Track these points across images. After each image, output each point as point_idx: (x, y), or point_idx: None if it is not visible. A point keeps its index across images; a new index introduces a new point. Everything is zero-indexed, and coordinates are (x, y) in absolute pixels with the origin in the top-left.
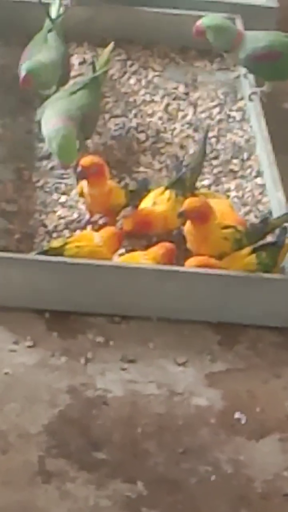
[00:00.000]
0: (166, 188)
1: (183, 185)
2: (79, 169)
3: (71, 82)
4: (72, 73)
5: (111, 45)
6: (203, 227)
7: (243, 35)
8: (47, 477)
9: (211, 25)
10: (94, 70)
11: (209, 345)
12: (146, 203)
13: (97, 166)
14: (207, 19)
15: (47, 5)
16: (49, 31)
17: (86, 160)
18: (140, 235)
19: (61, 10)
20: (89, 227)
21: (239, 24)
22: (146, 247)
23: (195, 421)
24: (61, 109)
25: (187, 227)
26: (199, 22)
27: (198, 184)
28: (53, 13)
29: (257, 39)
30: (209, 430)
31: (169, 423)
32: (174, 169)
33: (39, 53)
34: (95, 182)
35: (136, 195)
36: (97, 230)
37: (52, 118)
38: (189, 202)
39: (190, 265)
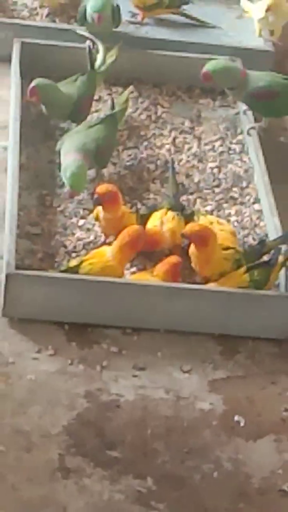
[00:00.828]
0: (168, 209)
1: (180, 207)
2: (95, 196)
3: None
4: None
5: (131, 87)
6: (204, 249)
7: (247, 73)
8: (66, 473)
9: (216, 69)
10: (112, 108)
11: (211, 355)
12: (153, 223)
13: (112, 193)
14: (211, 65)
15: (91, 53)
16: (82, 74)
17: (101, 187)
18: (151, 252)
19: (109, 62)
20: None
21: (239, 65)
22: (155, 263)
23: (199, 423)
24: (78, 143)
25: (191, 249)
26: (204, 69)
27: (201, 209)
28: (98, 62)
29: (257, 79)
30: (211, 432)
31: (176, 425)
32: (174, 196)
33: (62, 87)
34: (109, 208)
35: (146, 218)
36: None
37: (69, 151)
38: (190, 226)
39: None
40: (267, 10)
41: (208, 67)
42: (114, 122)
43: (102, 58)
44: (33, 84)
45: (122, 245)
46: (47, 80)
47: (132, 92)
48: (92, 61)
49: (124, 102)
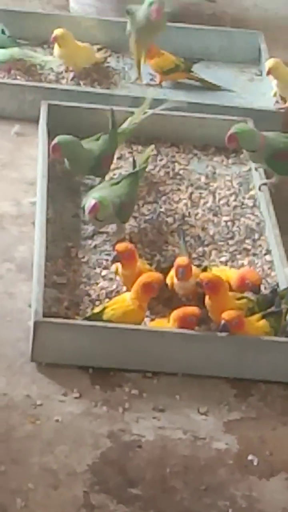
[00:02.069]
0: None
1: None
2: (114, 253)
3: (111, 174)
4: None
5: (152, 147)
6: (216, 297)
7: (265, 137)
8: (91, 510)
9: (242, 132)
10: (134, 166)
11: (226, 397)
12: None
13: (129, 251)
14: (238, 128)
15: (113, 115)
16: (104, 133)
17: (120, 246)
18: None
19: (133, 125)
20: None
21: (251, 125)
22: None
23: (215, 462)
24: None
25: (206, 300)
26: (231, 131)
27: (216, 260)
28: (126, 124)
29: (274, 141)
30: (226, 470)
31: (193, 464)
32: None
33: (85, 144)
34: (127, 265)
35: (165, 273)
36: None
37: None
38: (203, 275)
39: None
40: (268, 73)
41: (235, 130)
42: (136, 180)
43: (128, 122)
44: (55, 141)
45: (138, 288)
46: (69, 136)
47: (152, 151)
48: (114, 121)
49: (146, 160)
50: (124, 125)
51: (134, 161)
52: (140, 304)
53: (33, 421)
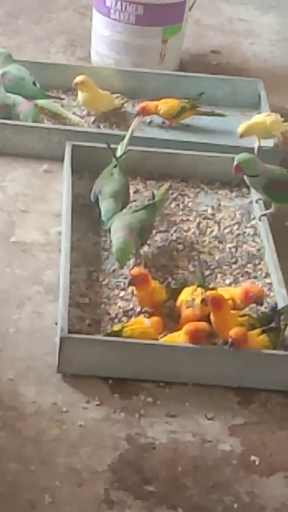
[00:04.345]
0: (198, 286)
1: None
2: (129, 277)
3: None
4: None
5: (168, 184)
6: (218, 313)
7: (265, 165)
8: (111, 505)
9: (245, 160)
10: (153, 198)
11: (231, 404)
12: (186, 297)
13: (143, 275)
14: (240, 158)
15: (114, 148)
16: (114, 166)
17: (134, 271)
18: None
19: (125, 150)
20: (141, 315)
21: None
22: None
23: (221, 462)
24: (125, 223)
25: (211, 317)
26: (235, 162)
27: (221, 282)
28: (119, 152)
29: (273, 171)
30: (231, 469)
31: (202, 464)
32: (199, 274)
33: (107, 185)
34: (141, 287)
35: (176, 291)
36: (147, 317)
37: (117, 230)
38: (208, 292)
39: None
40: (241, 136)
41: (238, 160)
42: (154, 209)
43: (124, 147)
44: (107, 223)
45: (155, 321)
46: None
47: (158, 183)
48: (114, 152)
49: (163, 194)
50: (119, 152)
51: (153, 194)
52: (156, 330)
53: (60, 426)
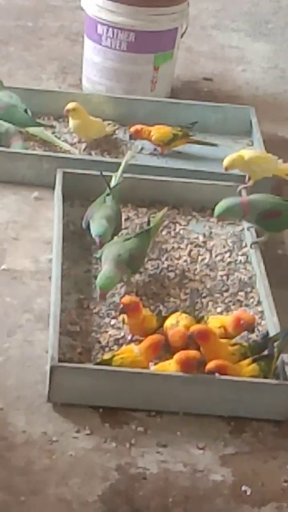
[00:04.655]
0: (182, 312)
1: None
2: (121, 306)
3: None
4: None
5: (165, 210)
6: (207, 344)
7: (250, 202)
8: None
9: (224, 211)
10: (148, 224)
11: (222, 433)
12: (170, 321)
13: (134, 303)
14: (218, 210)
15: (107, 176)
16: (107, 195)
17: (126, 299)
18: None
19: (119, 180)
20: (132, 343)
21: (243, 193)
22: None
23: (212, 492)
24: (114, 253)
25: (201, 349)
26: (216, 215)
27: (213, 310)
28: (113, 183)
29: (262, 203)
30: (223, 500)
31: (193, 494)
32: (190, 301)
33: (99, 211)
34: (132, 315)
35: (164, 319)
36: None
37: (106, 261)
38: (192, 327)
39: (211, 366)
40: (226, 169)
41: (217, 213)
42: (147, 236)
43: (118, 177)
44: (97, 237)
45: (146, 348)
46: (101, 226)
47: (149, 210)
48: (108, 182)
49: (159, 219)
50: (112, 183)
51: (148, 220)
52: (146, 358)
53: (50, 455)
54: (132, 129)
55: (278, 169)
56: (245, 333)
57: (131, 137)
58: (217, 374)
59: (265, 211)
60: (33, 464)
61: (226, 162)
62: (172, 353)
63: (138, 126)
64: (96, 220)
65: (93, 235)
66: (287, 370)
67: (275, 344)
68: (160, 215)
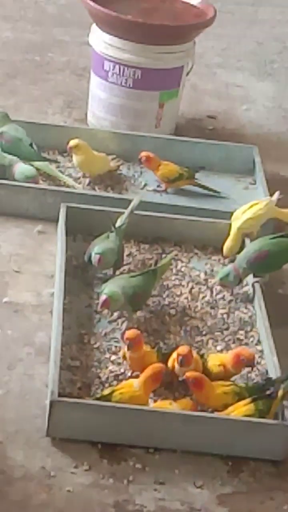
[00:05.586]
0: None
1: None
2: (128, 341)
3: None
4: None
5: (174, 253)
6: (200, 392)
7: (235, 262)
8: None
9: (224, 276)
10: (155, 264)
11: (219, 473)
12: (173, 357)
13: (138, 336)
14: (220, 276)
15: (112, 212)
16: (111, 232)
17: (131, 333)
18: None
19: (124, 221)
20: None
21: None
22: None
23: None
24: (118, 285)
25: (194, 395)
26: (217, 279)
27: (213, 348)
28: (118, 223)
29: (248, 252)
30: None
31: None
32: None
33: (100, 244)
34: (135, 348)
35: (166, 355)
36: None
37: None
38: (188, 373)
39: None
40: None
41: (219, 277)
42: (154, 276)
43: (124, 218)
44: (97, 256)
45: (146, 378)
46: (102, 246)
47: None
48: (113, 222)
49: (167, 262)
50: (118, 223)
51: (156, 261)
52: (145, 391)
53: (47, 491)
54: (144, 154)
55: (280, 213)
56: (245, 373)
57: (139, 159)
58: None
59: (250, 256)
60: (30, 498)
61: (225, 250)
62: (173, 392)
63: (151, 154)
64: (97, 246)
65: (93, 254)
66: (286, 412)
67: (282, 385)
68: (169, 257)
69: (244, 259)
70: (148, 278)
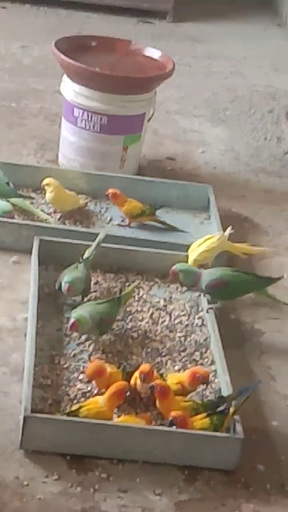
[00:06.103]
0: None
1: None
2: (141, 375)
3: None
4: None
5: (136, 282)
6: (164, 401)
7: (202, 273)
8: None
9: (182, 269)
10: (120, 292)
11: (177, 481)
12: (135, 375)
13: (99, 368)
14: (180, 265)
15: (81, 245)
16: (79, 262)
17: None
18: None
19: (92, 253)
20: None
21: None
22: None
23: None
24: (86, 311)
25: (157, 403)
26: (174, 267)
27: (171, 368)
28: (86, 255)
29: (211, 274)
30: None
31: None
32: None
33: (70, 273)
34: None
35: (131, 373)
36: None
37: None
38: (157, 382)
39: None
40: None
41: (178, 266)
42: (118, 302)
43: (91, 251)
44: (66, 284)
45: (110, 395)
46: (70, 276)
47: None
48: (81, 254)
49: (130, 291)
50: (86, 255)
51: (120, 289)
52: (110, 407)
53: (21, 499)
54: (111, 190)
55: (232, 246)
56: (200, 391)
57: (107, 195)
58: (174, 427)
59: (212, 281)
60: (5, 506)
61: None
62: (134, 408)
63: (117, 191)
64: (66, 275)
65: (63, 283)
66: (237, 426)
67: (233, 402)
68: (132, 286)
69: (204, 282)
70: (113, 304)
